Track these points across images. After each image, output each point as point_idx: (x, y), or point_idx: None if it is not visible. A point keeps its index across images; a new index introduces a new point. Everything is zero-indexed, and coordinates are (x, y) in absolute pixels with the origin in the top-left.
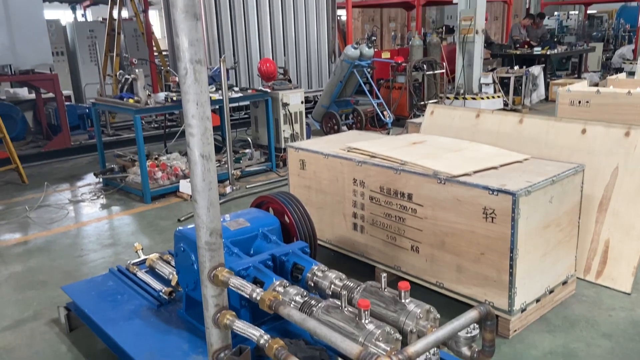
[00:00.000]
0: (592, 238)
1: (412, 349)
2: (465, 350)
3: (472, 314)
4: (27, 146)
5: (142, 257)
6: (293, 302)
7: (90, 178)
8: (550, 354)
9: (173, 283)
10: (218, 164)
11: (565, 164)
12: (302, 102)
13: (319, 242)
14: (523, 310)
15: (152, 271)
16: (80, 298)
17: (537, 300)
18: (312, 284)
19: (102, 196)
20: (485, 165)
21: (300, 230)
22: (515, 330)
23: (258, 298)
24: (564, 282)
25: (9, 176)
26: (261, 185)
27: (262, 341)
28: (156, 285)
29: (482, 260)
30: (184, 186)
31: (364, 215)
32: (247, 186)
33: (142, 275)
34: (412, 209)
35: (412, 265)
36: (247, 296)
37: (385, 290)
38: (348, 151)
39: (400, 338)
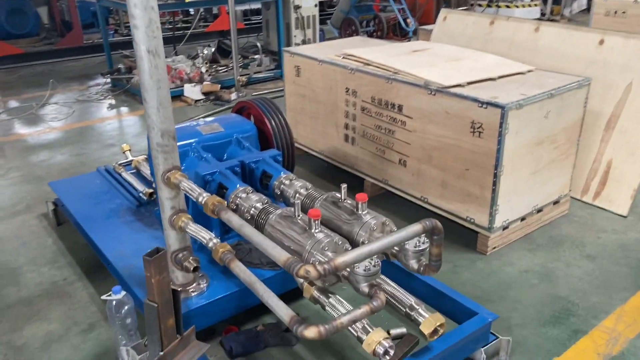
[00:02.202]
0: (595, 158)
1: (340, 259)
2: (413, 264)
3: (415, 228)
4: (40, 43)
5: (130, 158)
6: (252, 209)
7: (100, 78)
8: (526, 272)
9: (154, 185)
10: (225, 69)
11: (570, 77)
12: (315, 6)
13: (312, 152)
14: (505, 228)
15: (137, 172)
16: (65, 194)
17: (522, 219)
18: (279, 192)
19: (109, 97)
20: (482, 76)
21: (277, 138)
22: (495, 248)
23: (203, 202)
24: (556, 202)
25: (22, 72)
26: (267, 93)
27: (210, 244)
28: (138, 186)
29: (466, 176)
30: (188, 90)
31: (355, 127)
32: (253, 94)
33: (127, 175)
34: (401, 121)
35: (399, 179)
36: (195, 200)
37: (346, 201)
38: (343, 58)
39: (350, 248)
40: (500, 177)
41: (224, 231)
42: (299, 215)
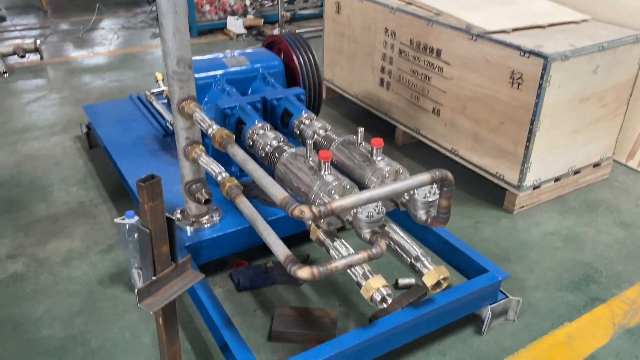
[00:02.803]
0: None
1: (337, 203)
2: (421, 215)
3: (423, 177)
4: None
5: (162, 87)
6: (268, 146)
7: (146, 6)
8: (551, 234)
9: None
10: (270, 4)
11: (626, 30)
12: None
13: (346, 95)
14: (536, 187)
15: (168, 102)
16: (96, 118)
17: (557, 180)
18: (298, 132)
19: (153, 25)
20: (530, 22)
21: (304, 76)
22: (522, 207)
23: (212, 134)
24: (596, 164)
25: None
26: (311, 31)
27: (219, 178)
28: (167, 115)
29: (500, 130)
30: (231, 23)
31: (391, 71)
32: (297, 30)
33: (157, 104)
34: (439, 67)
35: (431, 129)
36: (205, 131)
37: (362, 146)
38: None
39: None
40: (535, 134)
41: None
42: (310, 156)
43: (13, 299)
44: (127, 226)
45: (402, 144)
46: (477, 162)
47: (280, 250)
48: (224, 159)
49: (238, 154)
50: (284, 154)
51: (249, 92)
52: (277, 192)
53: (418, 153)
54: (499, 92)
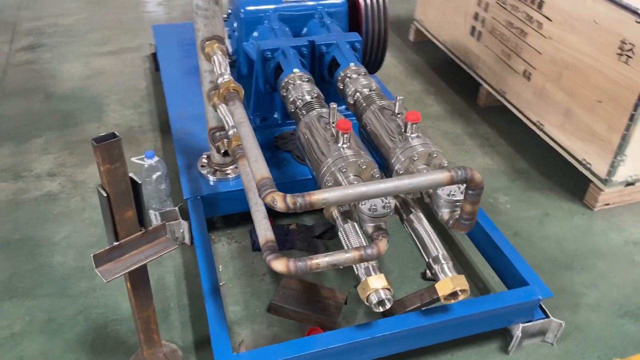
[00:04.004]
0: None
1: (318, 196)
2: (444, 214)
3: (440, 176)
4: None
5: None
6: (299, 100)
7: None
8: (634, 244)
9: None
10: None
11: None
12: None
13: (435, 41)
14: (629, 184)
15: None
16: (161, 40)
17: None
18: (341, 87)
19: None
20: None
21: (368, 20)
22: (607, 205)
23: (219, 83)
24: None
25: None
26: None
27: (230, 132)
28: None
29: (595, 110)
30: None
31: (484, 19)
32: None
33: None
34: (538, 22)
35: (518, 94)
36: (215, 79)
37: (400, 116)
38: None
39: (377, 175)
40: (637, 121)
41: (284, 115)
42: (333, 122)
43: (40, 219)
44: (146, 166)
45: (484, 106)
46: (563, 142)
47: (262, 232)
48: (269, 102)
49: (236, 113)
50: (311, 112)
51: (303, 32)
52: (257, 169)
53: (498, 119)
54: (603, 63)
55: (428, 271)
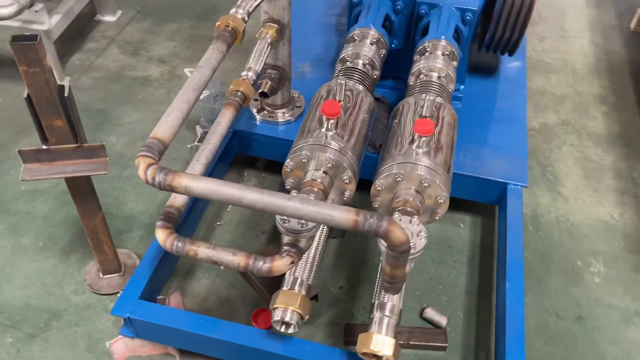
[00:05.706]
0: None
1: (180, 180)
2: (382, 260)
3: (341, 215)
4: None
5: None
6: (348, 61)
7: None
8: None
9: None
10: None
11: None
12: None
13: None
14: None
15: None
16: None
17: None
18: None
19: None
20: None
21: None
22: None
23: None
24: None
25: None
26: None
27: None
28: None
29: None
30: None
31: None
32: None
33: None
34: None
35: None
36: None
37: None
38: None
39: (347, 181)
40: None
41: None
42: (341, 101)
43: (124, 98)
44: None
45: None
46: None
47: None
48: None
49: (206, 53)
50: (338, 79)
51: None
52: (159, 125)
53: None
54: None
55: (430, 310)
